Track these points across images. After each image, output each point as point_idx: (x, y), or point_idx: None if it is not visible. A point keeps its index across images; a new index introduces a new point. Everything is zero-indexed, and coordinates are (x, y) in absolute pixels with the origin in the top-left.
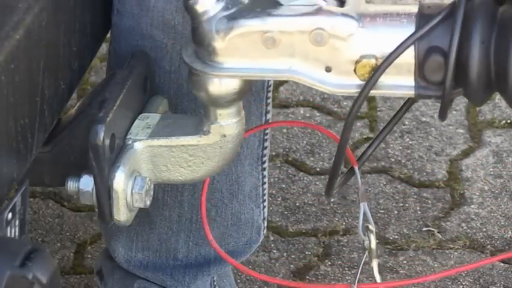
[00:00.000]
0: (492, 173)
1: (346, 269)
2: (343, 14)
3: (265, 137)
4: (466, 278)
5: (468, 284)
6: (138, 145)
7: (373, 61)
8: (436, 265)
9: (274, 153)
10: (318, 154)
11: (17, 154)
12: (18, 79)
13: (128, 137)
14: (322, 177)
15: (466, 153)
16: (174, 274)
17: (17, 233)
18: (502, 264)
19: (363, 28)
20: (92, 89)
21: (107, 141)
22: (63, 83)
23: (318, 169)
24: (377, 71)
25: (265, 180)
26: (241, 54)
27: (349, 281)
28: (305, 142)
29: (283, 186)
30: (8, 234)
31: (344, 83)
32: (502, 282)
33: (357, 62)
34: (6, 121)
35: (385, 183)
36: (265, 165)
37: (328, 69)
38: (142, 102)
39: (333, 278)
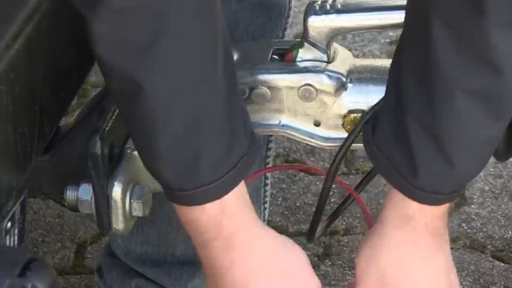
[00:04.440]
0: (492, 173)
1: (347, 269)
2: (331, 71)
3: (270, 138)
4: (466, 278)
5: (468, 284)
6: (136, 154)
7: (360, 115)
8: None
9: (274, 154)
10: (318, 154)
11: (16, 163)
12: (17, 88)
13: (126, 146)
14: (323, 177)
15: None
16: (172, 271)
17: (16, 242)
18: (502, 264)
19: (350, 84)
20: (92, 90)
21: (106, 151)
22: (62, 92)
23: None
24: (360, 123)
25: (268, 181)
26: None
27: (349, 281)
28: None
29: (284, 186)
30: (7, 243)
31: (333, 137)
32: (502, 282)
33: (345, 117)
34: (6, 130)
35: (385, 183)
36: (268, 166)
37: (316, 124)
38: None
39: (333, 278)
